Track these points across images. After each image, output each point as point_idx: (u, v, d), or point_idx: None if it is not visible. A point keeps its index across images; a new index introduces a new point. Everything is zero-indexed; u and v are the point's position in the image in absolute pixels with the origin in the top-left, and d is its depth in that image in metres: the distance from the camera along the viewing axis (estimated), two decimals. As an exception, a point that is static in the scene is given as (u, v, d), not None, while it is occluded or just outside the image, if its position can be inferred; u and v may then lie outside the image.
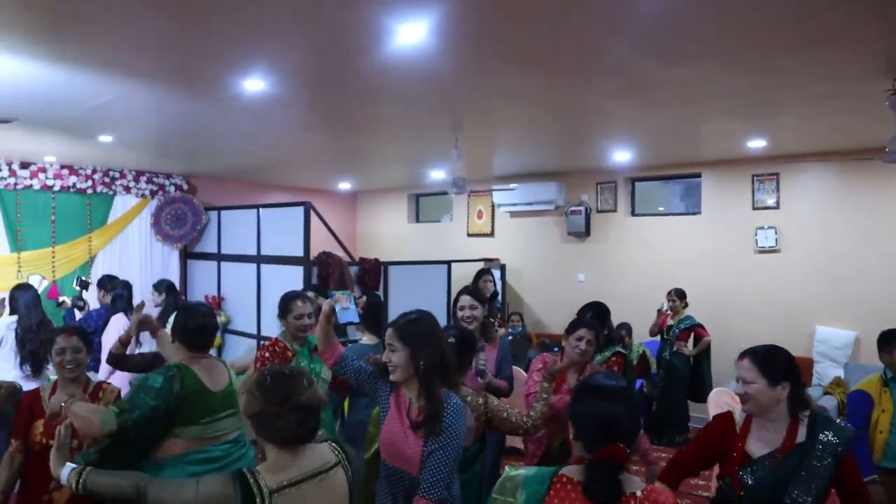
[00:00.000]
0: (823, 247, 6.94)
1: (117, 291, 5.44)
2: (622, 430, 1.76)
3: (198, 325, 3.12)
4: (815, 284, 6.97)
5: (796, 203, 7.12)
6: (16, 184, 7.40)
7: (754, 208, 7.33)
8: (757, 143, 6.45)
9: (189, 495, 1.88)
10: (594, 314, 4.15)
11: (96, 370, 5.16)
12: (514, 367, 6.55)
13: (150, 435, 2.85)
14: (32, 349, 4.84)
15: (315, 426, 2.01)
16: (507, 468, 1.90)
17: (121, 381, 4.46)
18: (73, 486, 2.08)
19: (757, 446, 2.48)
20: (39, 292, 6.05)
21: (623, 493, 1.75)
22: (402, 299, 7.26)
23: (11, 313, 5.23)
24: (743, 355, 2.53)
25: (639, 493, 1.77)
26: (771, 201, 7.24)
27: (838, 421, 2.52)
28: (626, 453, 1.74)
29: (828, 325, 6.90)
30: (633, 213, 8.40)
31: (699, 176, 7.81)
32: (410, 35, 3.37)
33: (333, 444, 2.12)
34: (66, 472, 2.12)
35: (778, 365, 2.45)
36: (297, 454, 1.98)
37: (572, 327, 3.70)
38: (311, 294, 4.25)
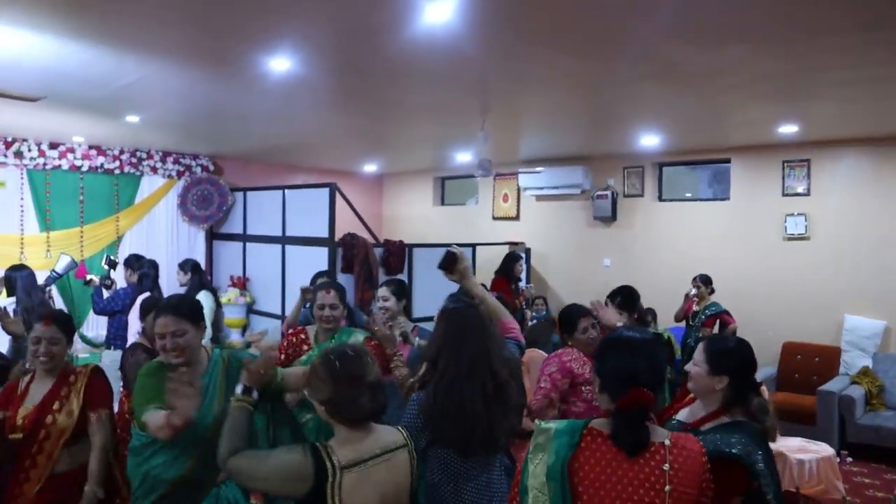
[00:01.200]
0: (854, 235, 6.80)
1: (143, 270, 5.49)
2: (642, 379, 1.78)
3: None
4: (845, 273, 6.85)
5: (828, 190, 6.97)
6: (45, 164, 7.50)
7: (784, 195, 7.20)
8: (788, 129, 6.33)
9: (266, 467, 1.97)
10: (623, 299, 4.05)
11: (123, 348, 5.22)
12: (538, 351, 6.56)
13: None
14: None
15: (385, 401, 2.07)
16: (537, 423, 1.91)
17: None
18: (234, 402, 2.21)
19: (684, 413, 2.48)
20: (60, 271, 6.09)
21: (651, 441, 1.77)
22: (426, 282, 7.26)
23: (9, 295, 5.13)
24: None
25: (667, 442, 1.78)
26: (801, 188, 7.10)
27: (747, 443, 2.22)
28: (650, 398, 1.76)
29: (857, 314, 6.78)
30: (661, 199, 8.30)
31: (728, 161, 7.69)
32: (437, 14, 3.33)
33: (400, 429, 2.16)
34: (239, 389, 2.25)
35: (724, 357, 2.36)
36: (368, 432, 2.04)
37: (571, 324, 3.57)
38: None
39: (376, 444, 2.03)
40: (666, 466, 1.74)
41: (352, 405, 1.98)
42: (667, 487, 1.72)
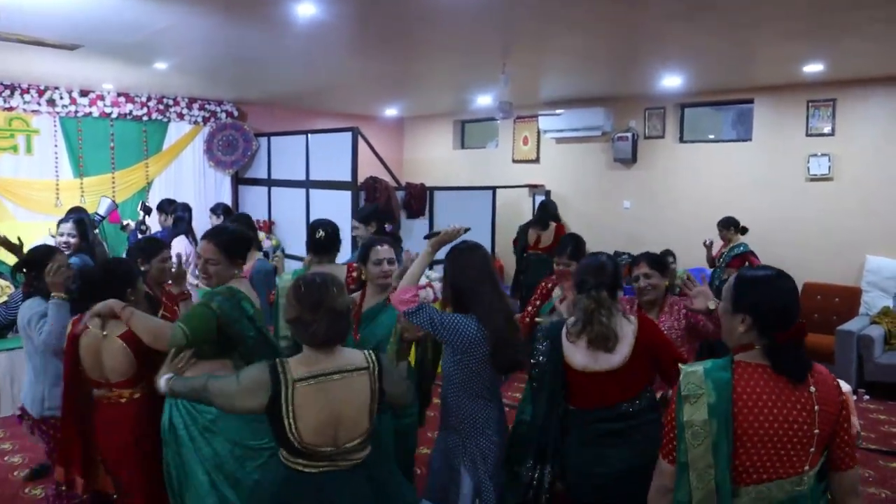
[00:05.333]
0: (878, 175, 6.77)
1: (178, 214, 5.68)
2: (795, 312, 1.89)
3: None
4: (868, 213, 6.84)
5: (853, 130, 6.91)
6: (76, 111, 7.66)
7: (808, 135, 7.15)
8: (813, 68, 6.26)
9: (233, 384, 2.22)
10: (573, 248, 3.99)
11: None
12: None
13: None
14: None
15: (345, 328, 2.25)
16: (683, 367, 1.97)
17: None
18: (166, 391, 2.41)
19: None
20: (104, 213, 6.34)
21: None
22: (447, 224, 7.38)
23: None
24: None
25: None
26: (826, 128, 7.04)
27: None
28: (806, 327, 1.90)
29: (879, 254, 6.80)
30: (682, 140, 8.27)
31: (751, 102, 7.63)
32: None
33: (370, 354, 2.32)
34: (162, 381, 2.42)
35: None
36: (328, 354, 2.22)
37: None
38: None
39: (333, 363, 2.20)
40: (812, 389, 1.87)
41: (307, 329, 2.17)
42: (816, 408, 1.86)
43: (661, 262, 3.41)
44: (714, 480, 1.81)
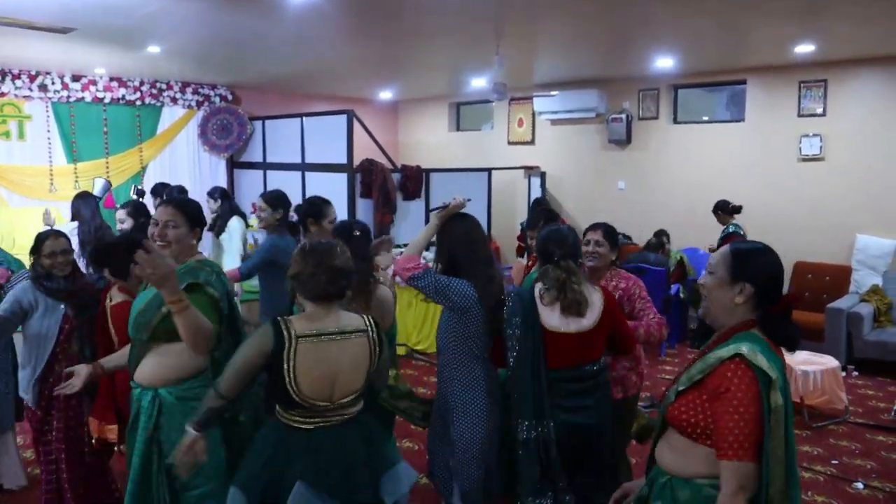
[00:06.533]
0: (869, 155, 6.84)
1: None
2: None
3: None
4: (859, 193, 6.91)
5: (844, 110, 6.96)
6: (68, 96, 7.64)
7: (800, 115, 7.20)
8: (804, 49, 6.29)
9: (240, 357, 2.28)
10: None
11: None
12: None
13: None
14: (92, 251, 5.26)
15: (345, 287, 2.35)
16: (746, 354, 1.81)
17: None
18: (198, 433, 2.27)
19: None
20: (99, 194, 6.40)
21: None
22: (446, 198, 7.43)
23: (73, 219, 5.60)
24: None
25: None
26: (818, 109, 7.09)
27: None
28: (795, 301, 1.97)
29: (869, 233, 6.88)
30: (676, 121, 8.31)
31: (744, 83, 7.66)
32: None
33: (369, 318, 2.42)
34: (190, 430, 2.26)
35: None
36: (328, 312, 2.32)
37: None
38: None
39: (334, 323, 2.30)
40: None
41: (309, 281, 2.28)
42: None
43: (615, 235, 3.52)
44: (786, 465, 1.77)
